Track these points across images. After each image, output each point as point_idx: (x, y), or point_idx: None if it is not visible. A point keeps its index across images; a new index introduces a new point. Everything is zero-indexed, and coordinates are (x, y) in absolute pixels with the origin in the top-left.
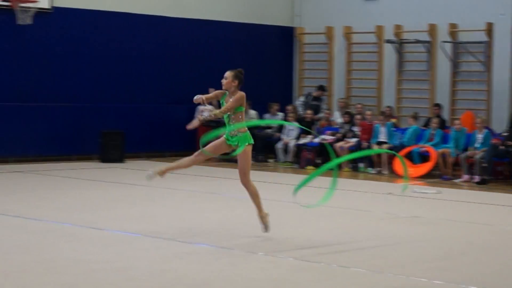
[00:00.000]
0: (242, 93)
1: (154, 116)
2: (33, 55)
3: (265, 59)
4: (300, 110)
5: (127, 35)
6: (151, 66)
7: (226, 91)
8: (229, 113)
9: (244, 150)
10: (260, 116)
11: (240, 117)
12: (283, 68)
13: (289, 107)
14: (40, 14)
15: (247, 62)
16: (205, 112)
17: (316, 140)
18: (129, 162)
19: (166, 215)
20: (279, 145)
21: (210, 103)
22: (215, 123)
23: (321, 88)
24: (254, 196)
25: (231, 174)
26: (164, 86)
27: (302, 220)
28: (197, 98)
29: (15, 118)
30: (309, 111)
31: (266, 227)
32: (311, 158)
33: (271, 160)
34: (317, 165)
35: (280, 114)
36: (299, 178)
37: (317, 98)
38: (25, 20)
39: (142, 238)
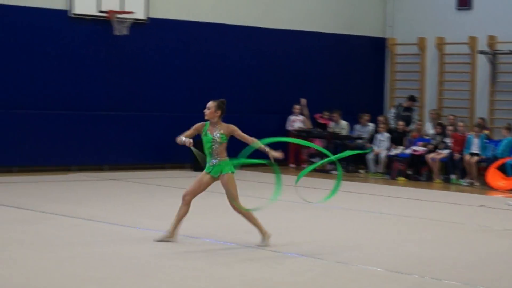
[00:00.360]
0: (234, 126)
1: (246, 125)
2: (128, 65)
3: (357, 69)
4: (392, 122)
5: (221, 46)
6: (244, 76)
7: (207, 122)
8: (214, 144)
9: (228, 177)
10: (351, 127)
11: (224, 148)
12: (375, 79)
13: (381, 118)
14: (136, 25)
15: (339, 73)
16: (297, 122)
17: (408, 151)
18: None
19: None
20: (370, 156)
21: (301, 114)
22: (306, 133)
23: (412, 98)
24: (251, 218)
25: (326, 184)
26: (256, 95)
27: (393, 231)
28: (179, 141)
29: (110, 127)
30: (400, 123)
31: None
32: (403, 169)
33: (362, 171)
34: (408, 176)
35: (371, 125)
36: (390, 189)
37: (408, 109)
38: (121, 31)
39: (234, 247)
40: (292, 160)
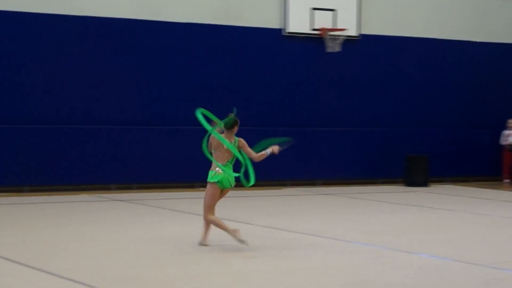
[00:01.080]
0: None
1: (458, 140)
2: (341, 81)
3: None
4: None
5: (433, 60)
6: (457, 90)
7: None
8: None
9: (206, 186)
10: None
11: (214, 156)
12: None
13: None
14: (348, 41)
15: None
16: (511, 137)
17: None
18: (433, 186)
19: (474, 240)
20: None
21: None
22: None
23: None
24: (218, 226)
25: (498, 195)
26: (470, 110)
27: None
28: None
29: (322, 142)
30: None
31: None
32: None
33: None
34: None
35: None
36: None
37: None
38: (334, 48)
39: (450, 263)
40: (507, 175)
